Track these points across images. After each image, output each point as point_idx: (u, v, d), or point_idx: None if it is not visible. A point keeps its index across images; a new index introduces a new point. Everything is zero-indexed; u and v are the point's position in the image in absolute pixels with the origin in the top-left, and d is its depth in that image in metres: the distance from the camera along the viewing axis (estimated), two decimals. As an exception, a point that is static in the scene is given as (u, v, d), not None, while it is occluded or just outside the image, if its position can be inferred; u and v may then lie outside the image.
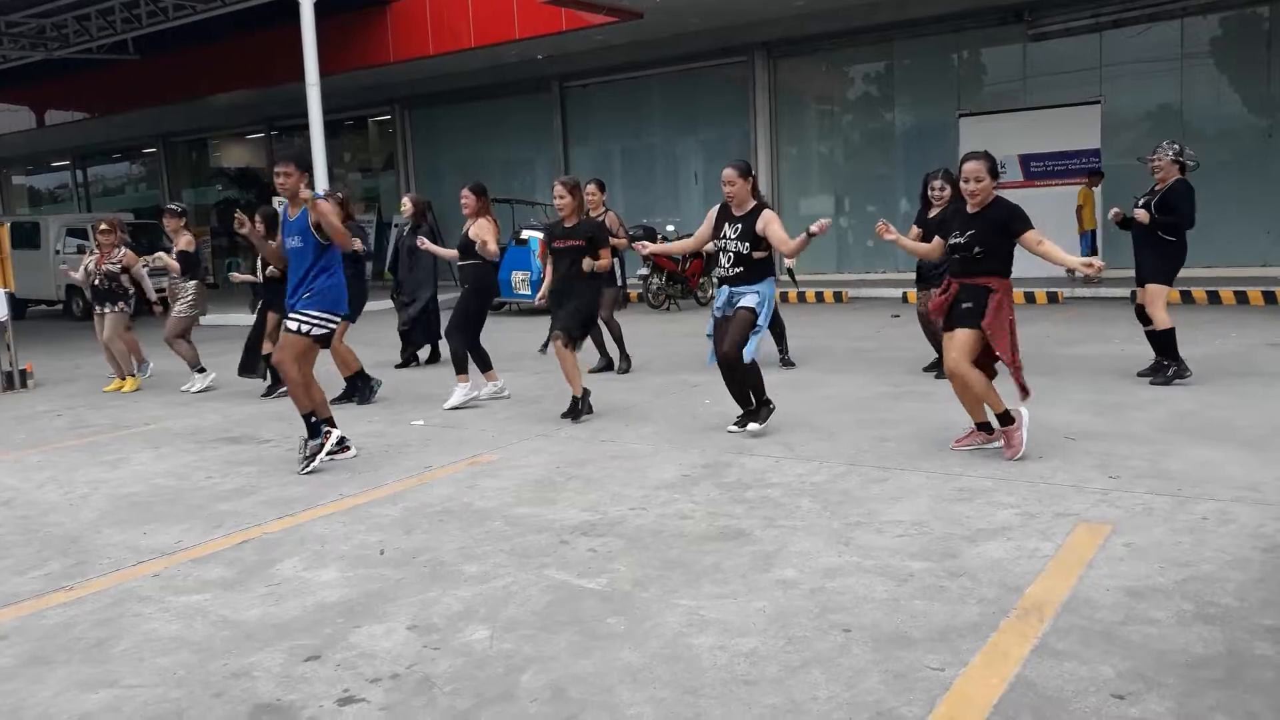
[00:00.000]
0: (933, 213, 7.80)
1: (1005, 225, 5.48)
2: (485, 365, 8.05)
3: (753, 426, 6.46)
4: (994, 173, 5.57)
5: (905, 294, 15.28)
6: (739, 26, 17.41)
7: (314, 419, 6.15)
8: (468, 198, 7.93)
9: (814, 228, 6.03)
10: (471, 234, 7.80)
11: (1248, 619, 3.36)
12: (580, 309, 7.27)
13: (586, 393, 7.31)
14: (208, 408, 8.58)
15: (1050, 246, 5.51)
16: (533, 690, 3.10)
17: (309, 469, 6.03)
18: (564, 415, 7.22)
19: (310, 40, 15.02)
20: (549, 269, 7.68)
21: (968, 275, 5.56)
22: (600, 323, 9.34)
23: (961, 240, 5.55)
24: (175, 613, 3.88)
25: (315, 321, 6.12)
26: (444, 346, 10.42)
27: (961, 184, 5.61)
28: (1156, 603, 3.52)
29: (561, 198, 7.32)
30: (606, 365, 9.47)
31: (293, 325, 6.11)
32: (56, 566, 4.54)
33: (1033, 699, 2.89)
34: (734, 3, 15.80)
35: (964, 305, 5.53)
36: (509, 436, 6.77)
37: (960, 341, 5.53)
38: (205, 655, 3.47)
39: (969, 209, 5.61)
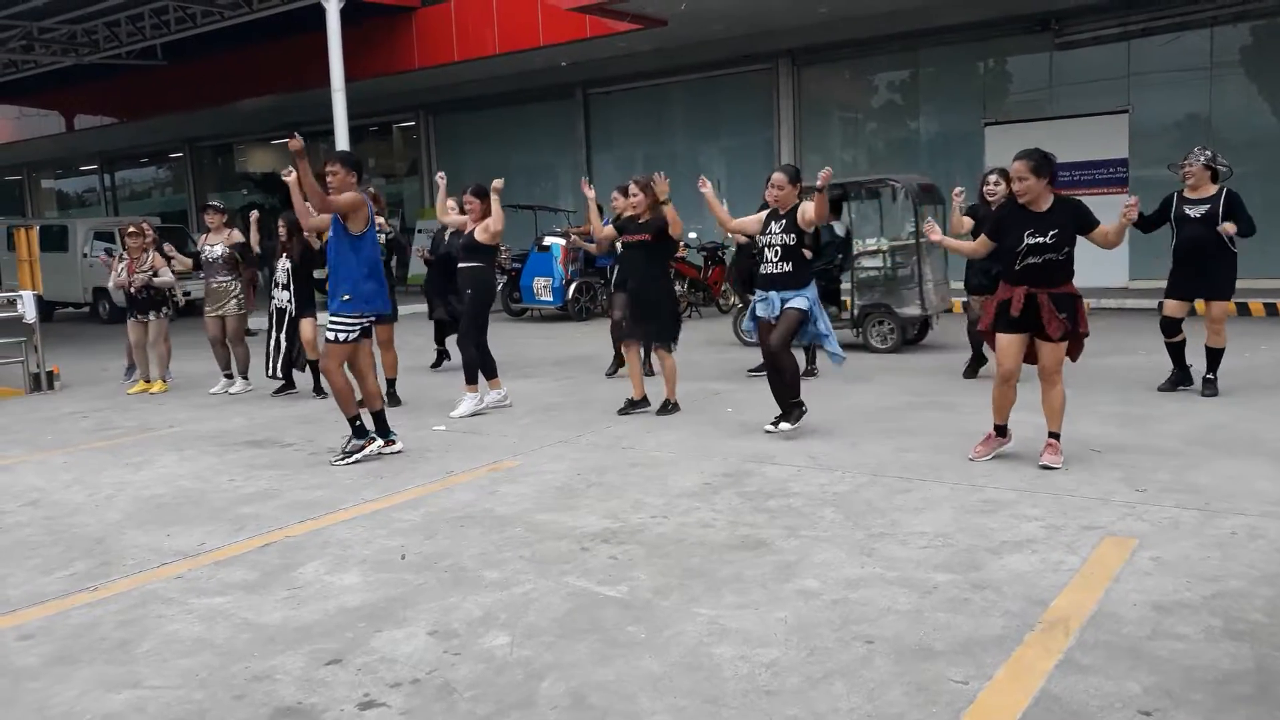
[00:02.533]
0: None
1: (1082, 220, 5.43)
2: (491, 372, 8.02)
3: (784, 426, 6.57)
4: (1039, 171, 5.39)
5: (928, 303, 15.20)
6: (763, 34, 17.40)
7: (358, 422, 6.46)
8: (472, 201, 7.93)
9: (819, 182, 6.23)
10: (480, 237, 7.79)
11: (1277, 635, 3.31)
12: (664, 317, 7.55)
13: (670, 405, 7.58)
14: (232, 411, 8.63)
15: (1113, 227, 5.50)
16: (552, 697, 3.09)
17: (341, 463, 6.33)
18: (657, 412, 7.55)
19: (336, 46, 15.12)
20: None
21: (1054, 284, 5.44)
22: (615, 322, 9.47)
23: (1046, 240, 5.38)
24: (198, 615, 3.90)
25: (345, 327, 6.39)
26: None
27: (1012, 184, 5.58)
28: (1184, 618, 3.47)
29: (635, 195, 7.54)
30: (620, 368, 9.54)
31: (329, 335, 6.42)
32: (81, 567, 4.57)
33: (1058, 714, 2.86)
34: (758, 10, 15.79)
35: (1062, 315, 5.43)
36: (530, 442, 6.78)
37: (1058, 354, 5.51)
38: (227, 657, 3.48)
39: (1033, 209, 5.46)
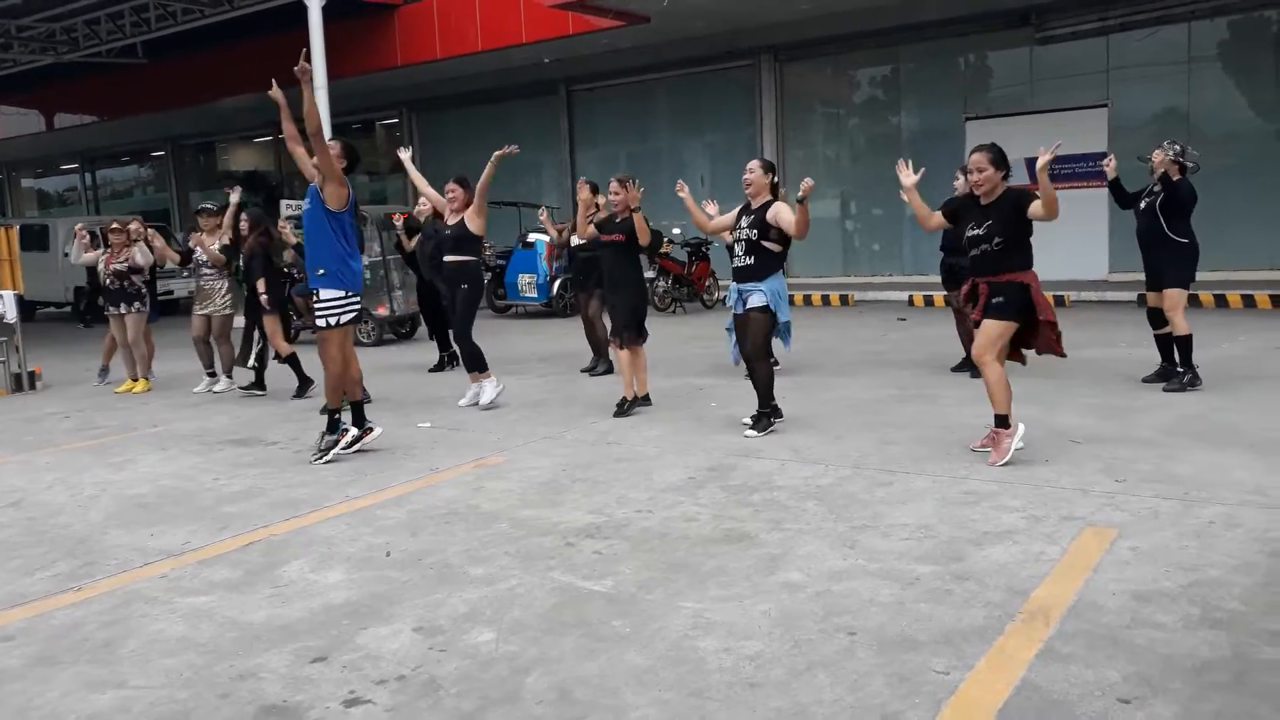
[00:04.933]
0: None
1: (1018, 208, 5.43)
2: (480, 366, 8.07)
3: (749, 434, 6.50)
4: (998, 163, 5.52)
5: (911, 297, 15.28)
6: (745, 30, 17.43)
7: (337, 415, 6.45)
8: (455, 191, 7.87)
9: (800, 193, 6.21)
10: (471, 224, 7.77)
11: (1254, 623, 3.35)
12: (631, 311, 7.53)
13: (640, 398, 7.55)
14: (215, 409, 8.60)
15: (1044, 185, 5.27)
16: (538, 692, 3.10)
17: (321, 461, 6.29)
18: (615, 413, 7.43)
19: (318, 44, 15.05)
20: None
21: (994, 274, 5.53)
22: (587, 320, 9.55)
23: (980, 232, 5.53)
24: (182, 614, 3.89)
25: (336, 308, 6.31)
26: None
27: (968, 175, 5.65)
28: (1163, 607, 3.51)
29: (615, 194, 7.57)
30: (607, 368, 9.53)
31: (322, 322, 6.35)
32: (64, 567, 4.55)
33: (1038, 703, 2.89)
34: (740, 6, 15.82)
35: (995, 300, 5.52)
36: (515, 439, 6.78)
37: (987, 332, 5.54)
38: (212, 656, 3.48)
39: (982, 201, 5.61)
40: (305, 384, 8.99)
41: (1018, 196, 5.51)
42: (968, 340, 8.33)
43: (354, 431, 6.46)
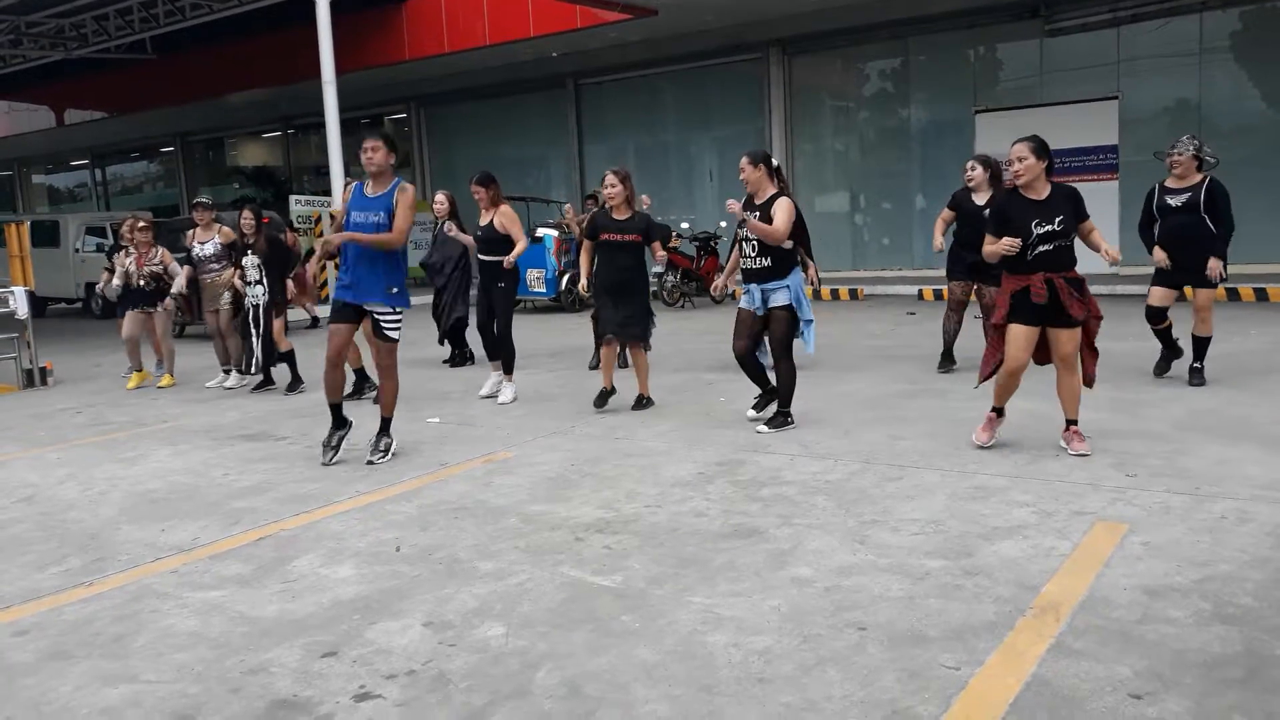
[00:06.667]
0: (978, 198, 7.89)
1: (1080, 211, 5.44)
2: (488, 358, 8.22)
3: (761, 428, 6.49)
4: (1040, 153, 5.42)
5: (920, 291, 15.24)
6: (753, 23, 17.40)
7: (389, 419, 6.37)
8: (479, 190, 7.90)
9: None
10: (499, 225, 7.79)
11: (1266, 619, 3.33)
12: (639, 313, 7.38)
13: (644, 399, 7.51)
14: (226, 405, 8.63)
15: (1090, 238, 5.53)
16: (548, 687, 3.10)
17: (383, 460, 6.18)
18: (632, 408, 7.43)
19: (326, 39, 15.08)
20: (586, 261, 7.71)
21: (1066, 269, 5.44)
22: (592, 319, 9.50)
23: (1054, 227, 5.37)
24: (193, 609, 3.91)
25: (400, 323, 6.24)
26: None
27: (1007, 165, 5.57)
28: (1174, 602, 3.49)
29: (612, 186, 7.21)
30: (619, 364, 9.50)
31: (395, 335, 6.20)
32: (76, 562, 4.57)
33: (1049, 698, 2.88)
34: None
35: (1077, 298, 5.42)
36: (524, 434, 6.79)
37: (1079, 338, 5.49)
38: (223, 651, 3.49)
39: (1033, 196, 5.45)
40: (296, 382, 8.98)
41: (1076, 197, 5.48)
42: (951, 339, 8.37)
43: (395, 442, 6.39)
